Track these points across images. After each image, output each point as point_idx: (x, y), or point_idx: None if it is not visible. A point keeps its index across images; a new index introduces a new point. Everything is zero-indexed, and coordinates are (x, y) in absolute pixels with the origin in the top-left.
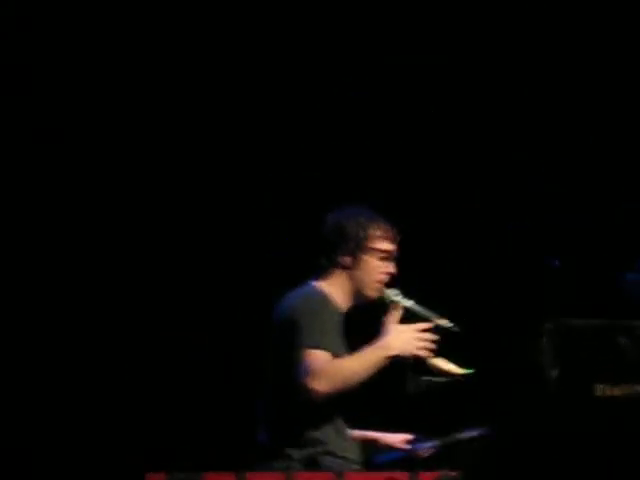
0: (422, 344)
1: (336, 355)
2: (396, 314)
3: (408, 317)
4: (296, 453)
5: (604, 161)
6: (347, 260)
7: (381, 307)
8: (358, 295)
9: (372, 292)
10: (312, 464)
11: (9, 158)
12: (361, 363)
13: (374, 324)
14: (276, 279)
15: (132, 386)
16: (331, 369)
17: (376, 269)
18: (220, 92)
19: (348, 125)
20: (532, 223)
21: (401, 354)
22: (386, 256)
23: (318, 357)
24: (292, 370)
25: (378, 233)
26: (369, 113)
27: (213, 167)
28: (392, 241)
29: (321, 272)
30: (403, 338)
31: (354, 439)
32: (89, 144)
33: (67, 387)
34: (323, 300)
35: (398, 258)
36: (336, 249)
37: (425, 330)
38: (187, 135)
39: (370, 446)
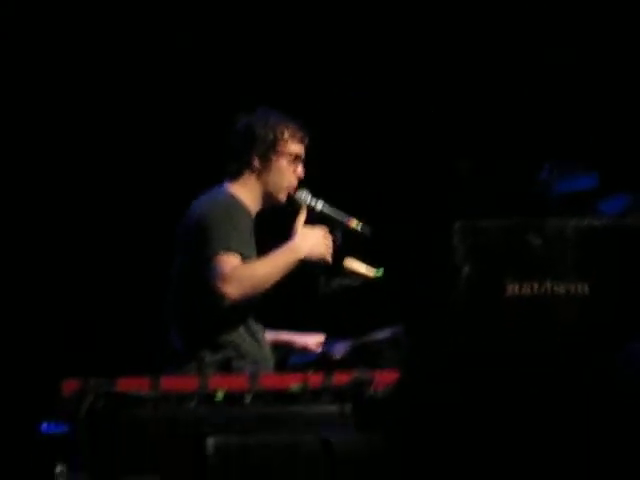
0: (330, 246)
1: (247, 259)
2: (302, 216)
3: (318, 219)
4: (209, 356)
5: None
6: (257, 162)
7: (288, 209)
8: (268, 198)
9: (282, 195)
10: (225, 367)
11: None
12: (272, 266)
13: (281, 226)
14: (186, 182)
15: (47, 291)
16: (242, 273)
17: (286, 171)
18: (217, 91)
19: (347, 125)
20: (445, 123)
21: (310, 256)
22: (295, 159)
23: (229, 261)
24: (203, 274)
25: (287, 134)
26: (369, 113)
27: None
28: (301, 142)
29: (231, 175)
30: (312, 240)
31: (267, 341)
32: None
33: None
34: (234, 203)
35: (307, 159)
36: (245, 151)
37: (334, 232)
38: (185, 134)
39: (284, 348)
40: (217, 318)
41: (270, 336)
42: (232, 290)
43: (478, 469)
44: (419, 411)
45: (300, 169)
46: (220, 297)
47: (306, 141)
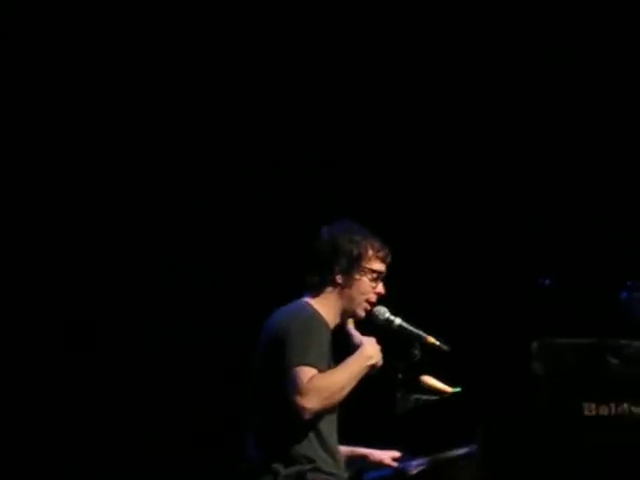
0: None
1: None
2: (351, 324)
3: (395, 335)
4: (284, 469)
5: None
6: (340, 278)
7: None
8: (347, 313)
9: (361, 311)
10: None
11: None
12: (345, 375)
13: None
14: (266, 294)
15: (128, 399)
16: (319, 384)
17: (368, 288)
18: (217, 91)
19: (348, 125)
20: (525, 241)
21: (378, 363)
22: (377, 276)
23: (307, 374)
24: (281, 387)
25: (372, 252)
26: (369, 113)
27: (206, 169)
28: (384, 261)
29: (312, 288)
30: (377, 347)
31: (342, 455)
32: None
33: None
34: (313, 317)
35: (388, 276)
36: (329, 266)
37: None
38: (186, 135)
39: (359, 462)
40: (293, 431)
41: (345, 450)
42: (311, 403)
43: None
44: None
45: (381, 286)
46: (299, 410)
47: (389, 259)
